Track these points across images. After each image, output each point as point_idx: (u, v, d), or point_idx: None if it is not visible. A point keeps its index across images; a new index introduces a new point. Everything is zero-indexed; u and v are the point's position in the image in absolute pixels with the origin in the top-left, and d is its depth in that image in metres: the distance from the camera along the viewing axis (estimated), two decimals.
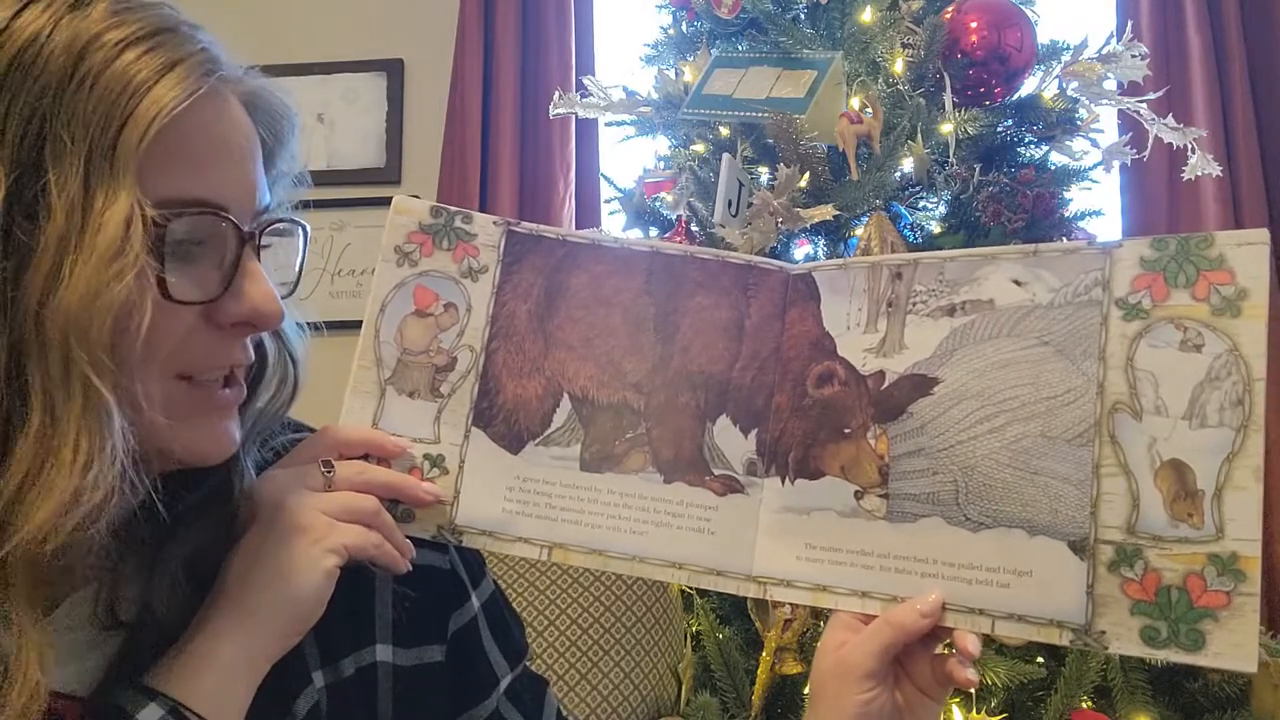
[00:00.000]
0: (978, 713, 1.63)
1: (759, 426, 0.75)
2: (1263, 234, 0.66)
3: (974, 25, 1.95)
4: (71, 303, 0.54)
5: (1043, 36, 2.06)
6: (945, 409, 0.71)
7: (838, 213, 1.85)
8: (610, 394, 0.76)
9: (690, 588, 1.73)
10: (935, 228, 1.98)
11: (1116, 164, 2.04)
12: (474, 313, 0.76)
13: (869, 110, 1.91)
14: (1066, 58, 2.01)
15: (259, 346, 0.69)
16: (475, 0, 2.82)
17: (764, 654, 1.67)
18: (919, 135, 1.91)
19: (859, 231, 1.91)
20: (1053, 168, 2.02)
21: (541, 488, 0.74)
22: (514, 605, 1.61)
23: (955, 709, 1.61)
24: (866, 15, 2.02)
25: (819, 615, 1.64)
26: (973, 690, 1.49)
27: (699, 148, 2.11)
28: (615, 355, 0.76)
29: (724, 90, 2.01)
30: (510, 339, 0.76)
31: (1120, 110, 2.07)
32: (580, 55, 2.85)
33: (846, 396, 0.74)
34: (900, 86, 1.97)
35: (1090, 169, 2.03)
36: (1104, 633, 0.65)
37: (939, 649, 0.71)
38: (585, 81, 2.22)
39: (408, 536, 0.71)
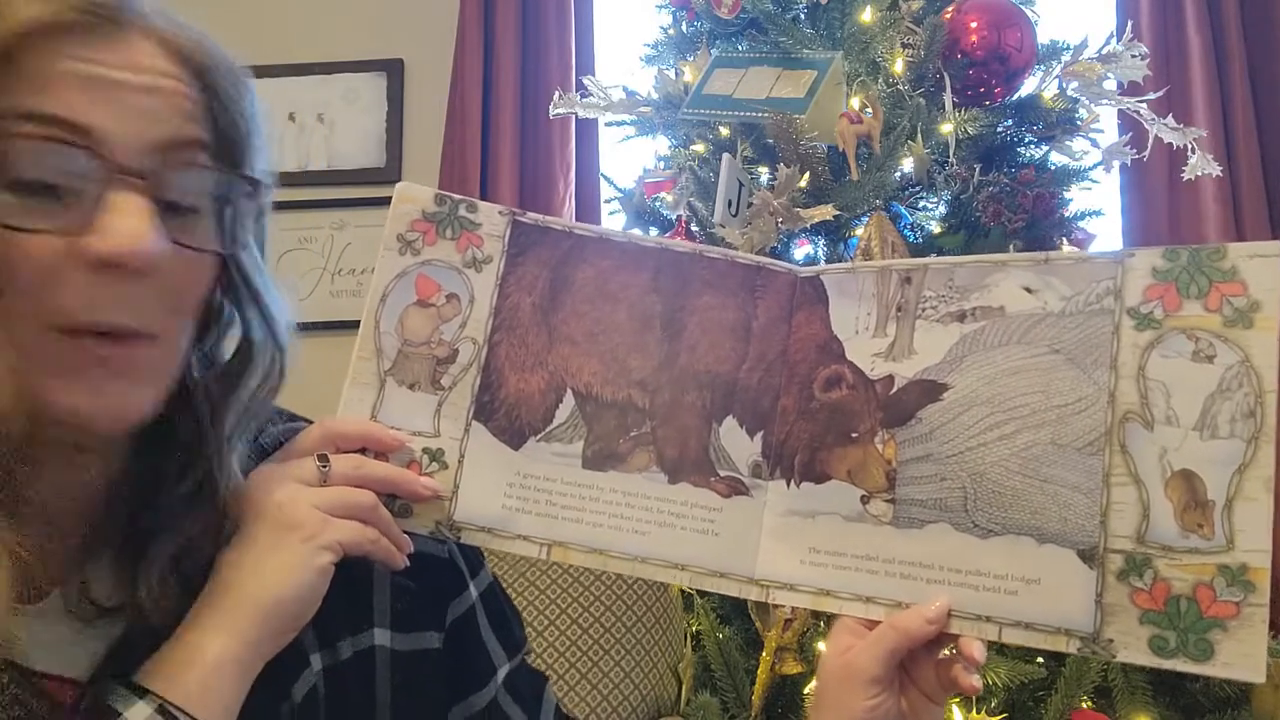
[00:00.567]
0: (978, 713, 1.63)
1: (765, 428, 0.75)
2: (1276, 246, 0.66)
3: (974, 25, 1.95)
4: None
5: (1043, 36, 2.06)
6: (955, 415, 0.71)
7: (838, 213, 1.85)
8: (615, 391, 0.75)
9: (691, 588, 1.73)
10: (935, 228, 1.98)
11: (1116, 164, 2.04)
12: (477, 304, 0.75)
13: (869, 110, 1.91)
14: (1066, 58, 2.01)
15: (244, 330, 0.67)
16: (475, 0, 2.82)
17: (764, 654, 1.68)
18: (919, 135, 1.91)
19: (859, 231, 1.91)
20: (1053, 168, 2.02)
21: (542, 485, 0.73)
22: (515, 604, 1.62)
23: (955, 709, 1.62)
24: (866, 15, 2.02)
25: (819, 616, 1.64)
26: (980, 689, 1.49)
27: (699, 148, 2.11)
28: (620, 352, 0.75)
29: (724, 90, 2.01)
30: (513, 332, 0.75)
31: (1120, 110, 2.08)
32: (580, 55, 2.84)
33: (854, 400, 0.73)
34: (900, 86, 1.97)
35: (1090, 169, 2.03)
36: (1112, 641, 0.65)
37: (943, 653, 0.71)
38: (585, 81, 2.21)
39: (405, 532, 0.70)
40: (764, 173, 2.03)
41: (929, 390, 0.72)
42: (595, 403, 0.75)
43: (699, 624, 1.80)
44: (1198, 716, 1.69)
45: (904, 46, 1.99)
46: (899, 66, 1.98)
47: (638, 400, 0.75)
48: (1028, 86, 2.06)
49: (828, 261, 1.92)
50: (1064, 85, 2.02)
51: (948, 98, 1.93)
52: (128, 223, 0.58)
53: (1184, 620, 0.64)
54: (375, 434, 0.71)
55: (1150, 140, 2.01)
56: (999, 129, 2.02)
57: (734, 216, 1.87)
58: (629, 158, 3.52)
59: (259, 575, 0.63)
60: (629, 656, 1.67)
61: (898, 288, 0.74)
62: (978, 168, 1.93)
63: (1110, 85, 1.99)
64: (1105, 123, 2.08)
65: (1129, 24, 2.10)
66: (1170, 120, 1.97)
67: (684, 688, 1.74)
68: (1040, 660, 1.67)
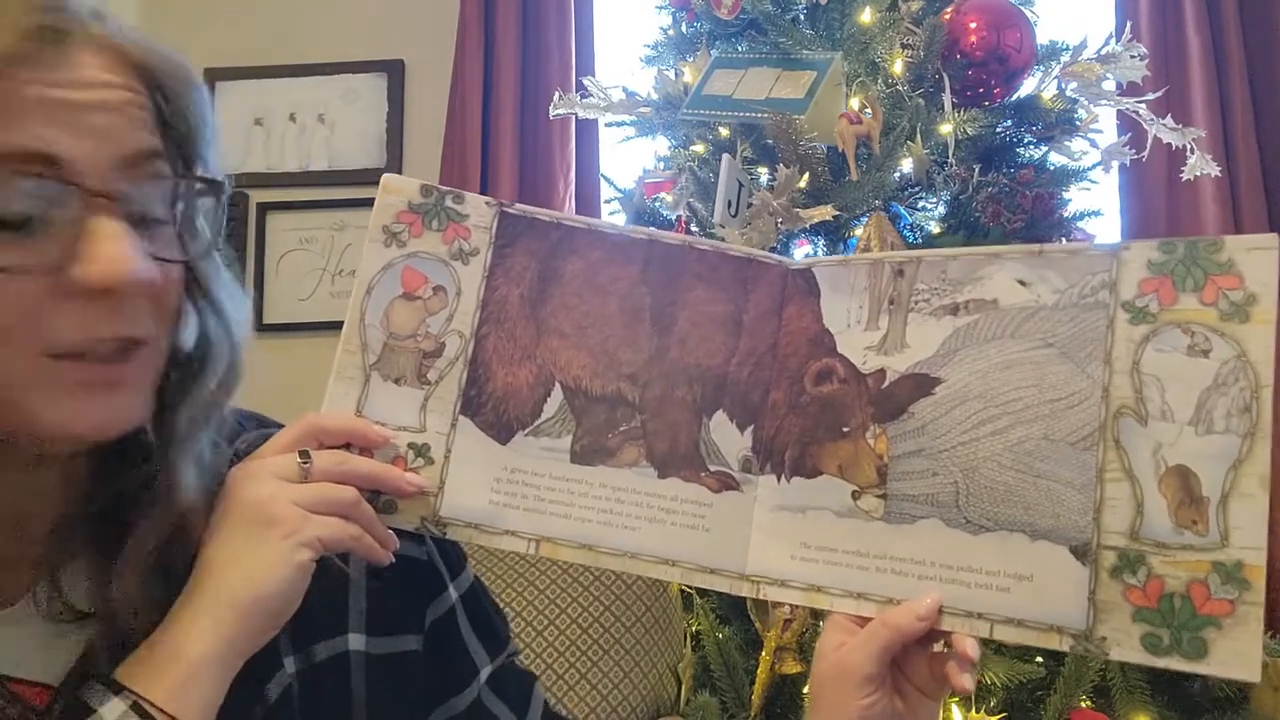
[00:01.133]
0: (977, 712, 1.63)
1: (755, 423, 0.74)
2: (1272, 239, 0.65)
3: (973, 26, 1.96)
4: None
5: (1042, 37, 2.06)
6: (947, 409, 0.70)
7: (837, 213, 1.85)
8: (604, 385, 0.74)
9: (688, 586, 1.73)
10: (935, 228, 1.98)
11: (1115, 164, 2.04)
12: (464, 297, 0.74)
13: (868, 111, 1.91)
14: (1066, 58, 2.01)
15: (200, 329, 0.66)
16: (475, 0, 2.82)
17: (764, 653, 1.68)
18: (918, 136, 1.91)
19: (858, 232, 1.91)
20: (1052, 168, 2.02)
21: (530, 479, 0.72)
22: (513, 604, 1.62)
23: (955, 708, 1.62)
24: (866, 16, 2.02)
25: (819, 615, 1.64)
26: (972, 690, 1.49)
27: (699, 148, 2.11)
28: (610, 345, 0.74)
29: (724, 91, 2.01)
30: (501, 325, 0.74)
31: (1119, 110, 2.07)
32: (580, 56, 2.84)
33: (846, 395, 0.73)
34: (899, 87, 1.97)
35: (1089, 169, 2.03)
36: (1105, 639, 0.64)
37: (936, 648, 0.70)
38: (585, 82, 2.22)
39: (390, 528, 0.69)
40: (764, 173, 2.03)
41: (921, 384, 0.71)
42: (584, 397, 0.74)
43: (698, 624, 1.80)
44: (1197, 716, 1.69)
45: (903, 47, 1.99)
46: (898, 67, 1.98)
47: (627, 394, 0.74)
48: (1027, 87, 2.06)
49: None
50: (1063, 86, 2.02)
51: (947, 98, 1.93)
52: (110, 248, 0.57)
53: (1178, 618, 0.63)
54: (359, 429, 0.70)
55: (1149, 141, 2.01)
56: (998, 129, 2.01)
57: (734, 217, 1.87)
58: (629, 158, 3.53)
59: (239, 572, 0.62)
60: (628, 656, 1.67)
61: (890, 280, 0.74)
62: (977, 168, 1.92)
63: (1109, 86, 1.99)
64: (1104, 123, 2.08)
65: (1128, 24, 2.10)
66: (1169, 121, 1.97)
67: (683, 688, 1.74)
68: (1039, 660, 1.67)
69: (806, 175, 1.89)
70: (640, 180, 2.19)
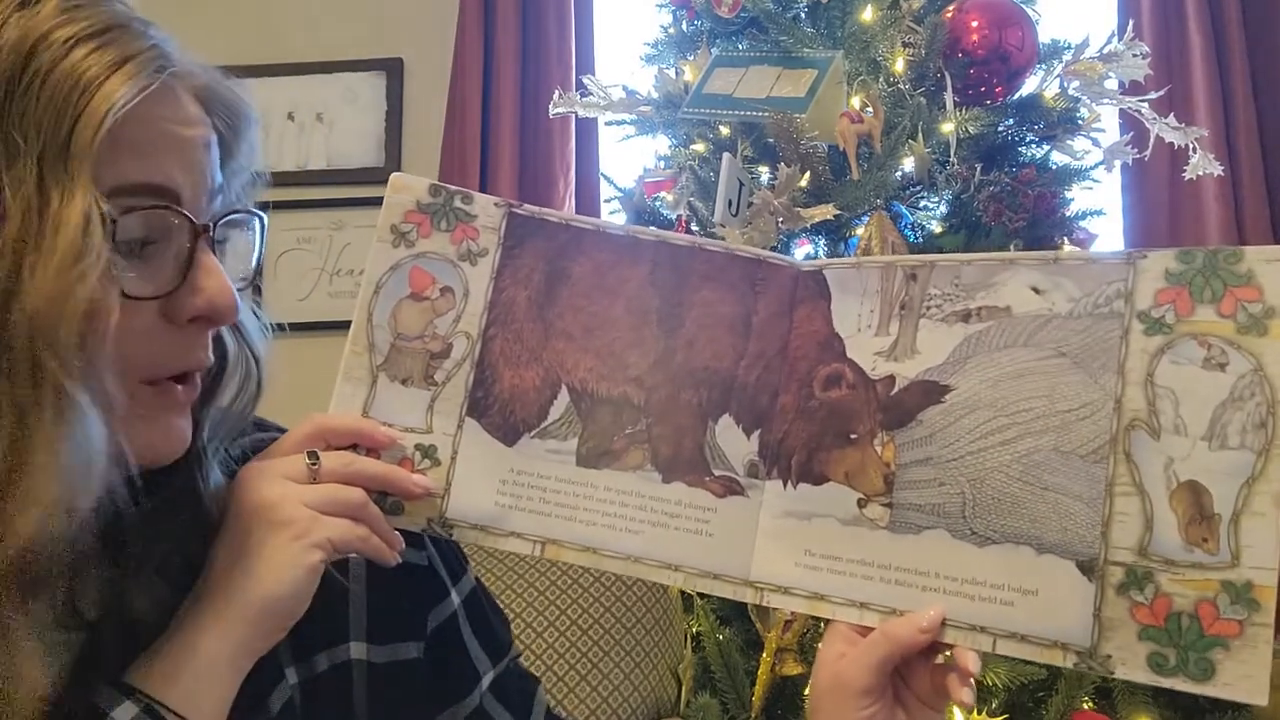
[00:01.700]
0: (978, 713, 1.63)
1: (762, 427, 0.73)
2: None
3: (975, 24, 1.95)
4: (37, 306, 0.53)
5: (1044, 35, 2.06)
6: (956, 418, 0.69)
7: (838, 212, 1.84)
8: (611, 387, 0.74)
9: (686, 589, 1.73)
10: (936, 227, 1.97)
11: (1118, 163, 2.04)
12: (471, 298, 0.73)
13: (870, 109, 1.91)
14: (1068, 57, 2.01)
15: (219, 344, 0.67)
16: (475, 0, 2.81)
17: (764, 655, 1.67)
18: (920, 134, 1.90)
19: (860, 231, 1.91)
20: (1054, 167, 2.02)
21: (536, 482, 0.72)
22: (513, 606, 1.62)
23: (956, 710, 1.61)
24: (867, 14, 2.01)
25: (819, 617, 1.63)
26: (971, 703, 1.48)
27: (699, 147, 2.11)
28: (617, 347, 0.74)
29: (724, 89, 2.01)
30: (508, 326, 0.74)
31: (1121, 109, 2.07)
32: (580, 55, 2.84)
33: (854, 400, 0.72)
34: (901, 86, 1.97)
35: (1091, 168, 2.03)
36: (1110, 657, 0.63)
37: (939, 659, 0.70)
38: (585, 81, 2.21)
39: (396, 529, 0.69)
40: (764, 172, 2.02)
41: (931, 392, 0.70)
42: (590, 399, 0.73)
43: (699, 625, 1.80)
44: (1197, 717, 1.69)
45: (905, 45, 1.99)
46: (900, 66, 1.98)
47: (633, 397, 0.73)
48: (1029, 86, 2.05)
49: None
50: (1065, 84, 2.02)
51: (949, 97, 1.93)
52: (218, 280, 0.62)
53: (1184, 638, 0.62)
54: (367, 430, 0.70)
55: (1151, 139, 2.00)
56: (1000, 128, 2.01)
57: (734, 216, 1.86)
58: (629, 157, 3.52)
59: (249, 574, 0.62)
60: (629, 658, 1.67)
61: (902, 285, 0.73)
62: (979, 167, 1.92)
63: (1111, 84, 1.98)
64: (1106, 122, 2.08)
65: (1130, 23, 2.09)
66: (1171, 119, 1.97)
67: (684, 689, 1.74)
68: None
69: (807, 174, 1.88)
70: (640, 179, 2.18)
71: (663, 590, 1.74)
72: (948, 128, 1.92)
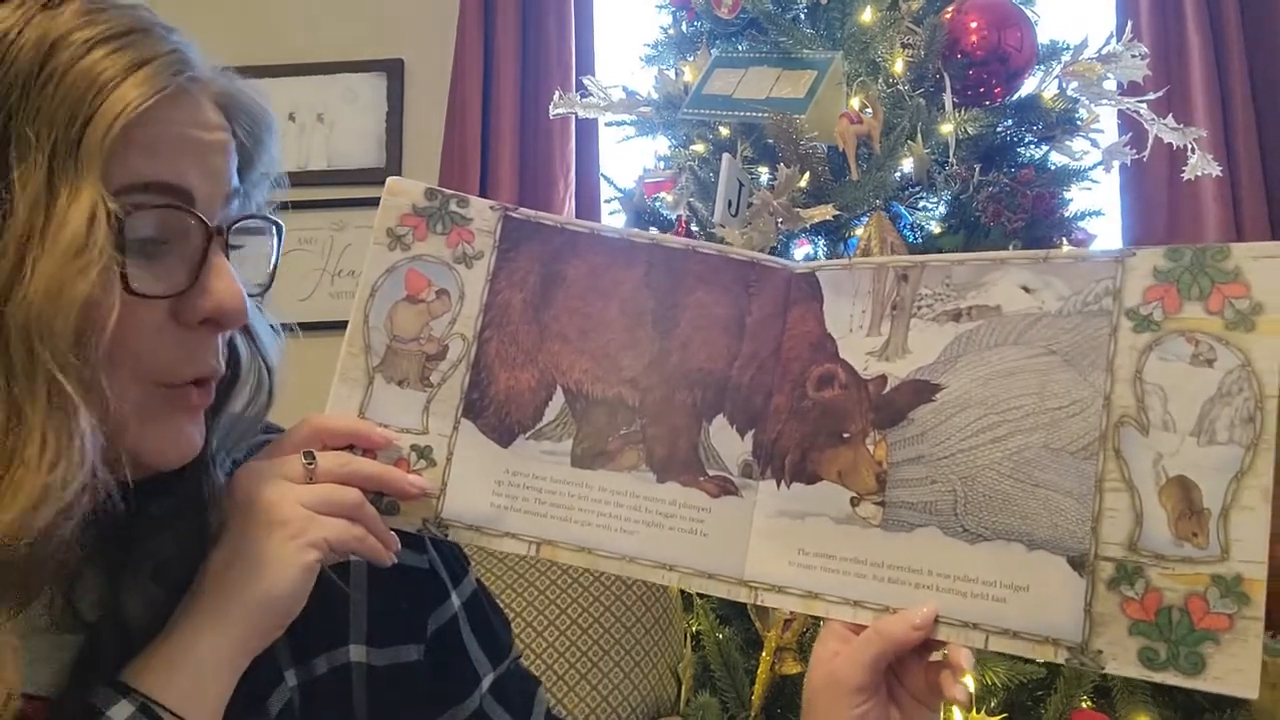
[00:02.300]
0: (977, 713, 1.63)
1: (756, 427, 0.74)
2: None
3: (974, 25, 1.95)
4: (35, 299, 0.53)
5: (1043, 36, 2.06)
6: (947, 416, 0.70)
7: (838, 213, 1.85)
8: (605, 388, 0.74)
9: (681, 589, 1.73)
10: (935, 228, 1.98)
11: (1116, 164, 2.04)
12: (467, 300, 0.74)
13: (869, 110, 1.91)
14: (1066, 58, 2.01)
15: (232, 352, 0.68)
16: (475, 0, 2.82)
17: (764, 654, 1.67)
18: (919, 135, 1.90)
19: (859, 231, 1.91)
20: (1053, 168, 2.02)
21: (531, 482, 0.72)
22: (513, 605, 1.62)
23: (955, 709, 1.62)
24: (866, 15, 2.01)
25: (817, 616, 1.63)
26: (972, 690, 1.48)
27: (699, 148, 2.11)
28: (612, 349, 0.74)
29: (724, 90, 2.01)
30: (504, 328, 0.74)
31: (1120, 110, 2.07)
32: (580, 55, 2.84)
33: (846, 400, 0.73)
34: (900, 86, 1.97)
35: (1090, 169, 2.03)
36: (1101, 652, 0.64)
37: (933, 656, 0.70)
38: (585, 81, 2.21)
39: (392, 529, 0.69)
40: (764, 173, 2.03)
41: (922, 391, 0.71)
42: (585, 400, 0.74)
43: (699, 624, 1.80)
44: (1196, 716, 1.69)
45: (904, 46, 1.99)
46: (899, 66, 1.98)
47: (628, 398, 0.74)
48: (1028, 86, 2.05)
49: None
50: (1064, 85, 2.02)
51: (948, 98, 1.93)
52: (227, 282, 0.62)
53: (1175, 632, 0.62)
54: (363, 431, 0.71)
55: (1150, 140, 2.01)
56: (999, 129, 2.01)
57: (734, 216, 1.86)
58: (629, 158, 3.52)
59: (246, 574, 0.63)
60: (629, 657, 1.67)
61: (894, 285, 0.73)
62: (978, 168, 1.92)
63: (1110, 85, 1.98)
64: (1105, 123, 2.08)
65: (1129, 24, 2.10)
66: (1170, 120, 1.97)
67: (684, 688, 1.74)
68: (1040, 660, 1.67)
69: (807, 175, 1.88)
70: (640, 180, 2.19)
71: (662, 589, 1.74)
72: (947, 128, 1.92)
